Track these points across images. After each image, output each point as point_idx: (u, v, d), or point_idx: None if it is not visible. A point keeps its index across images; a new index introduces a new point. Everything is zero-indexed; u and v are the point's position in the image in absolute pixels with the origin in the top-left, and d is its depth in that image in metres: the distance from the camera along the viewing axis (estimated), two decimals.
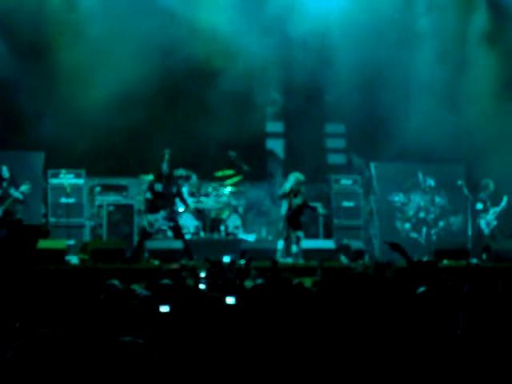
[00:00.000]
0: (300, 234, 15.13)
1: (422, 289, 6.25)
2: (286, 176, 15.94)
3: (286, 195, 15.03)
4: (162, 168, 15.05)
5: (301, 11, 17.22)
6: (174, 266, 13.37)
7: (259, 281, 7.98)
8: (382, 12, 17.24)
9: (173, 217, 15.19)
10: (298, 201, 15.05)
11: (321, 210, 15.53)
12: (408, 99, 17.38)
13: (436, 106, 17.26)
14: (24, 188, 13.95)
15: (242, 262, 12.25)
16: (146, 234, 15.04)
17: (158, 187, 15.08)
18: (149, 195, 15.12)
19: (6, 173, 14.15)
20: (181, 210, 15.57)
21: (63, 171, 15.67)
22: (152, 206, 15.10)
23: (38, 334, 1.93)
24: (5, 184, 13.97)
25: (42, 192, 15.61)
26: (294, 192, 15.00)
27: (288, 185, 15.07)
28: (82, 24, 16.17)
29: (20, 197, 13.91)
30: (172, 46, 16.09)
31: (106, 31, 15.90)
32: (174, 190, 15.22)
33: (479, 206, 16.63)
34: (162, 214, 15.09)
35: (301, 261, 14.89)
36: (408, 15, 17.73)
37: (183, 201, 15.40)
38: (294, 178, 15.13)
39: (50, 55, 15.93)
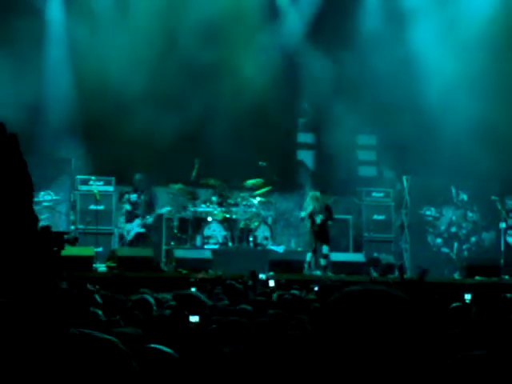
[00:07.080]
0: (325, 248, 14.95)
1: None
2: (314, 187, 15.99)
3: (304, 218, 15.11)
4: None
5: None
6: (201, 275, 13.26)
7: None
8: None
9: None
10: (320, 217, 14.95)
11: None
12: (443, 111, 17.09)
13: (471, 120, 16.97)
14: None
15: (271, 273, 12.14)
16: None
17: None
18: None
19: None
20: (209, 219, 15.46)
21: (93, 178, 15.62)
22: None
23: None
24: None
25: (71, 198, 15.55)
26: (314, 212, 14.95)
27: (308, 208, 15.08)
28: None
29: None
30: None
31: None
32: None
33: (502, 224, 16.40)
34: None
35: (329, 274, 14.70)
36: None
37: None
38: (309, 198, 15.23)
39: None
